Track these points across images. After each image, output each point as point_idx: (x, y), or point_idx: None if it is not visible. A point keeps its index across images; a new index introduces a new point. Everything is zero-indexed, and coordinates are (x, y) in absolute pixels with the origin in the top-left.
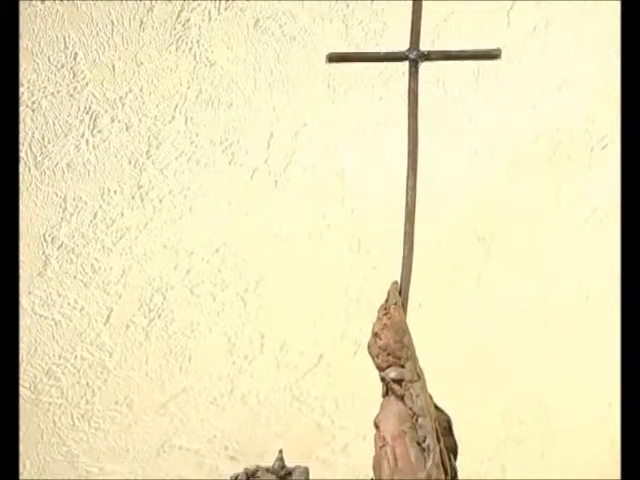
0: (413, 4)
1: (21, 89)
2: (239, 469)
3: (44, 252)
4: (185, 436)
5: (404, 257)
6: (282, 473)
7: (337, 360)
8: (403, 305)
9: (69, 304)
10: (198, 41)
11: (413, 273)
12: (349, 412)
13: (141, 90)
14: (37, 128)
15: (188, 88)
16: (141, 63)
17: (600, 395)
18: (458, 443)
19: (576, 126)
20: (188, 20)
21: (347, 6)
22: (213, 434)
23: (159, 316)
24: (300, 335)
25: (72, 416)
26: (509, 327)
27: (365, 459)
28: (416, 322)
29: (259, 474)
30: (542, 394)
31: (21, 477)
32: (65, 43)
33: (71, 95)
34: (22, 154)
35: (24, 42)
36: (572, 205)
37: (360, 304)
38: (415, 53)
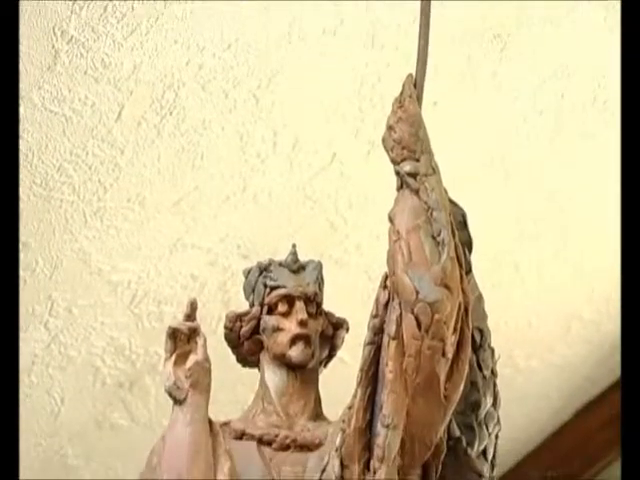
0: None
1: None
2: None
3: (53, 46)
4: (197, 234)
5: (419, 50)
6: (295, 267)
7: (351, 159)
8: (418, 98)
9: (80, 100)
10: None
11: (428, 70)
12: (362, 211)
13: None
14: None
15: None
16: None
17: (611, 194)
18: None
19: None
20: None
21: None
22: (225, 233)
23: (171, 113)
24: (313, 133)
25: (84, 213)
26: (524, 125)
27: (379, 258)
28: (431, 120)
29: (272, 268)
30: (556, 192)
31: (34, 274)
32: None
33: None
34: None
35: None
36: (590, 4)
37: (374, 102)
38: None
